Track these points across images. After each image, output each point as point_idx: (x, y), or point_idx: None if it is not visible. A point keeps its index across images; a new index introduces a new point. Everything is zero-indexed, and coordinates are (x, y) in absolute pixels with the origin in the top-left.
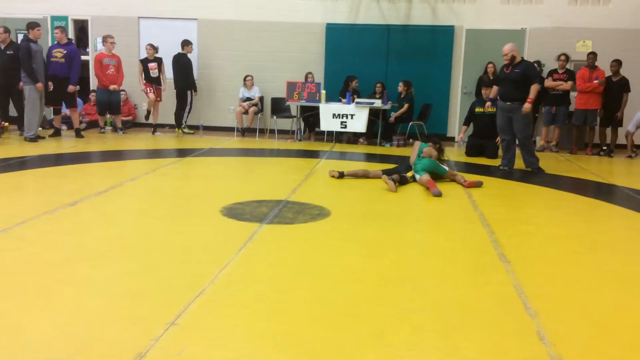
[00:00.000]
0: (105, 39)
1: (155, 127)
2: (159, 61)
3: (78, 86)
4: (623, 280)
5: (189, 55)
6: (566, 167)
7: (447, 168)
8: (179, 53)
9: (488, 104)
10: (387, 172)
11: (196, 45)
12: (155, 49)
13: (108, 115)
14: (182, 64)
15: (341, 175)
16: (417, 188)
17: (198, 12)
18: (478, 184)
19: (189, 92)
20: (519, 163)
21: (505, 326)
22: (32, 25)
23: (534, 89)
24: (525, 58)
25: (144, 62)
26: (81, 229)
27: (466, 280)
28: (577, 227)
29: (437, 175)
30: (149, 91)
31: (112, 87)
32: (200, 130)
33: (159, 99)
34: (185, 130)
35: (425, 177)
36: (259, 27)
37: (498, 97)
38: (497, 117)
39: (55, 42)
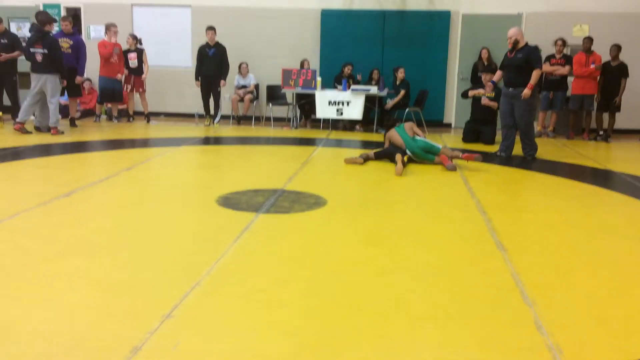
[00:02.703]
0: (109, 28)
1: (148, 116)
2: (139, 52)
3: (86, 76)
4: (621, 268)
5: (218, 41)
6: (563, 153)
7: (440, 145)
8: (206, 42)
9: (489, 85)
10: (379, 154)
11: (190, 32)
12: (136, 39)
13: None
14: (199, 54)
15: (367, 157)
16: (414, 175)
17: None
18: (477, 158)
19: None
20: (517, 149)
21: (502, 315)
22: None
23: (535, 74)
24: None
25: (125, 53)
26: (76, 221)
27: (463, 269)
28: (574, 214)
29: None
30: (127, 88)
31: (118, 76)
32: (196, 117)
33: (141, 89)
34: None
35: (438, 158)
36: (254, 14)
37: (503, 83)
38: (501, 103)
39: (59, 32)
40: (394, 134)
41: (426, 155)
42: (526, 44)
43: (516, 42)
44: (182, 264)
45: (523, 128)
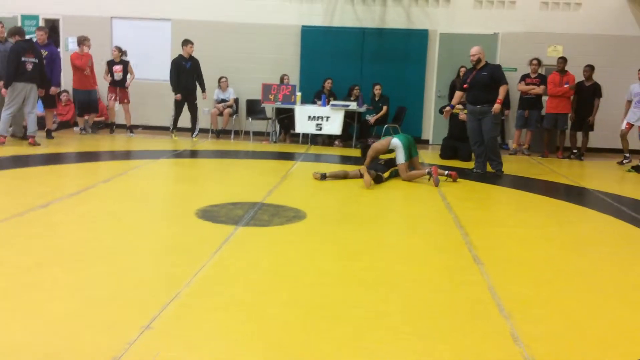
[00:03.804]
0: (82, 42)
1: (131, 128)
2: (124, 64)
3: (60, 87)
4: (594, 282)
5: (193, 55)
6: (538, 170)
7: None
8: (179, 55)
9: (447, 111)
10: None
11: (170, 46)
12: (122, 51)
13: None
14: (175, 66)
15: (324, 177)
16: (392, 189)
17: (172, 13)
18: (449, 175)
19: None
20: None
21: (480, 328)
22: None
23: (502, 90)
24: (498, 62)
25: (110, 64)
26: (53, 232)
27: (441, 282)
28: (549, 229)
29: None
30: (110, 97)
31: (96, 88)
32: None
33: (126, 100)
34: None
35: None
36: (234, 29)
37: (467, 102)
38: (468, 121)
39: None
40: (379, 144)
41: (412, 151)
42: (487, 62)
43: (479, 60)
44: (161, 276)
45: (489, 142)
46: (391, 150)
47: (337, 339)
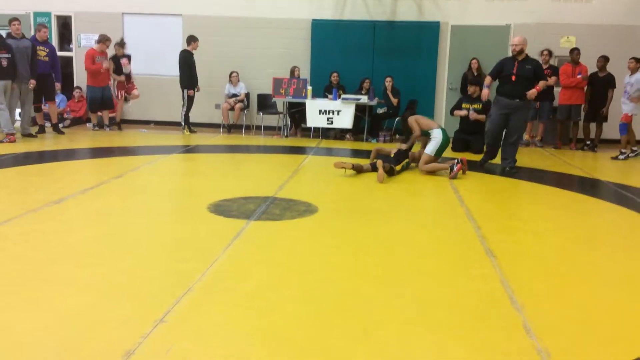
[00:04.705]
0: (104, 41)
1: (120, 124)
2: (128, 57)
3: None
4: (608, 274)
5: (194, 52)
6: (551, 162)
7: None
8: (185, 50)
9: (485, 92)
10: (373, 165)
11: (180, 41)
12: (122, 45)
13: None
14: (189, 62)
15: (353, 168)
16: (403, 183)
17: (183, 8)
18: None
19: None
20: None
21: (492, 320)
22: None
23: (543, 82)
24: (510, 54)
25: (115, 60)
26: (66, 228)
27: (453, 275)
28: (562, 222)
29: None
30: (120, 95)
31: (109, 83)
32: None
33: (136, 91)
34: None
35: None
36: (245, 23)
37: (500, 94)
38: (494, 116)
39: (33, 37)
40: (425, 120)
41: (442, 150)
42: (527, 55)
43: (521, 51)
44: (173, 270)
45: (514, 139)
46: (426, 133)
47: (349, 334)
